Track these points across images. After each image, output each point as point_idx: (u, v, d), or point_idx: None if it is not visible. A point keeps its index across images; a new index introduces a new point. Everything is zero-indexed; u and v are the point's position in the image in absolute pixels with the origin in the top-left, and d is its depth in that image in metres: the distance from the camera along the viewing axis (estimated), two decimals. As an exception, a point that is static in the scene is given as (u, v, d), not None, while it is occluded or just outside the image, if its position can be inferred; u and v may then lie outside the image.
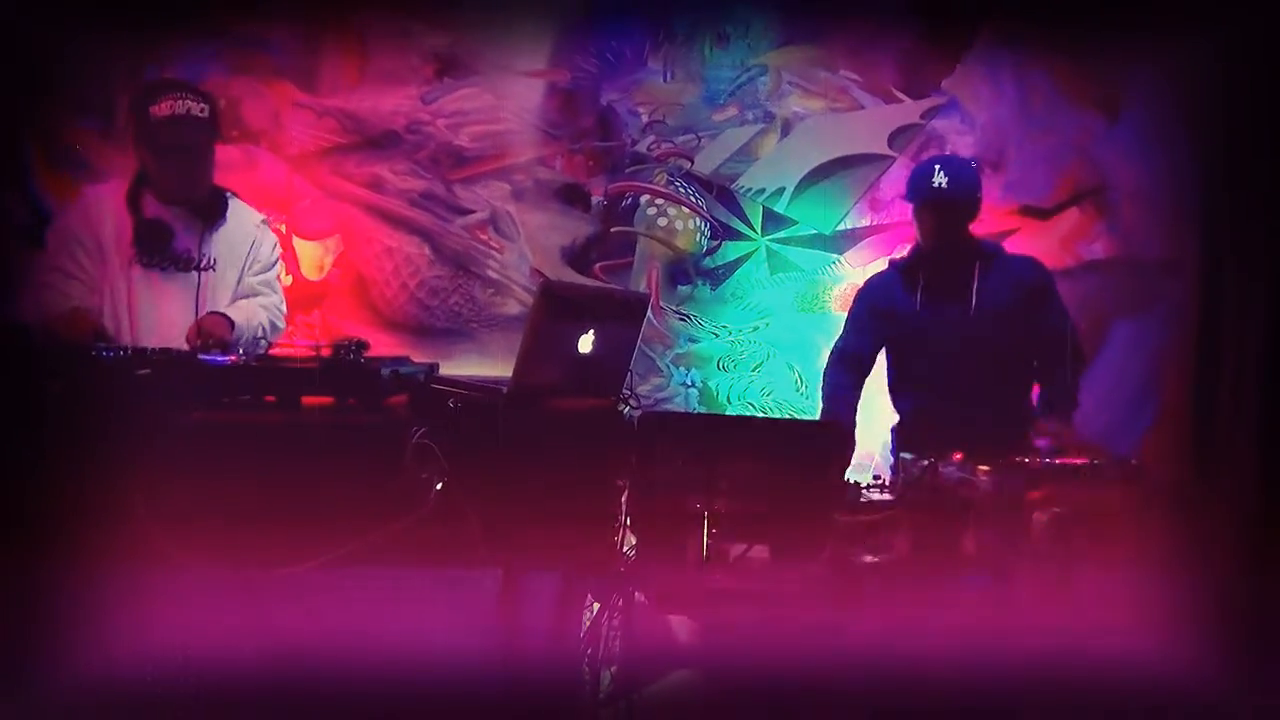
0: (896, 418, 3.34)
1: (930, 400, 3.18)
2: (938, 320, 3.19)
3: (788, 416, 4.06)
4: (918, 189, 3.19)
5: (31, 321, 2.80)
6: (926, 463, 2.25)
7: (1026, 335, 3.19)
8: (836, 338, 3.40)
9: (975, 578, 2.10)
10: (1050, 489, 2.19)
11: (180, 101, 2.75)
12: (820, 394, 3.36)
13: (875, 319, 3.29)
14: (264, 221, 3.06)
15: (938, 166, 3.18)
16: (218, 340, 2.69)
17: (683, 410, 4.06)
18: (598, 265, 4.12)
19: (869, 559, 2.10)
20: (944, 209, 3.16)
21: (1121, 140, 4.04)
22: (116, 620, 2.10)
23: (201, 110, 2.77)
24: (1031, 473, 2.24)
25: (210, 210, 2.88)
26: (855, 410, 3.28)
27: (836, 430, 2.87)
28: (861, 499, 2.28)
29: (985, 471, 2.24)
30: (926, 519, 2.13)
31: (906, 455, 2.50)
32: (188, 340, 2.67)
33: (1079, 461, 2.35)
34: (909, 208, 3.30)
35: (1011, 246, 4.04)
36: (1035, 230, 4.11)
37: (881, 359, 3.34)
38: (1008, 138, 4.11)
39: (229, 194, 2.98)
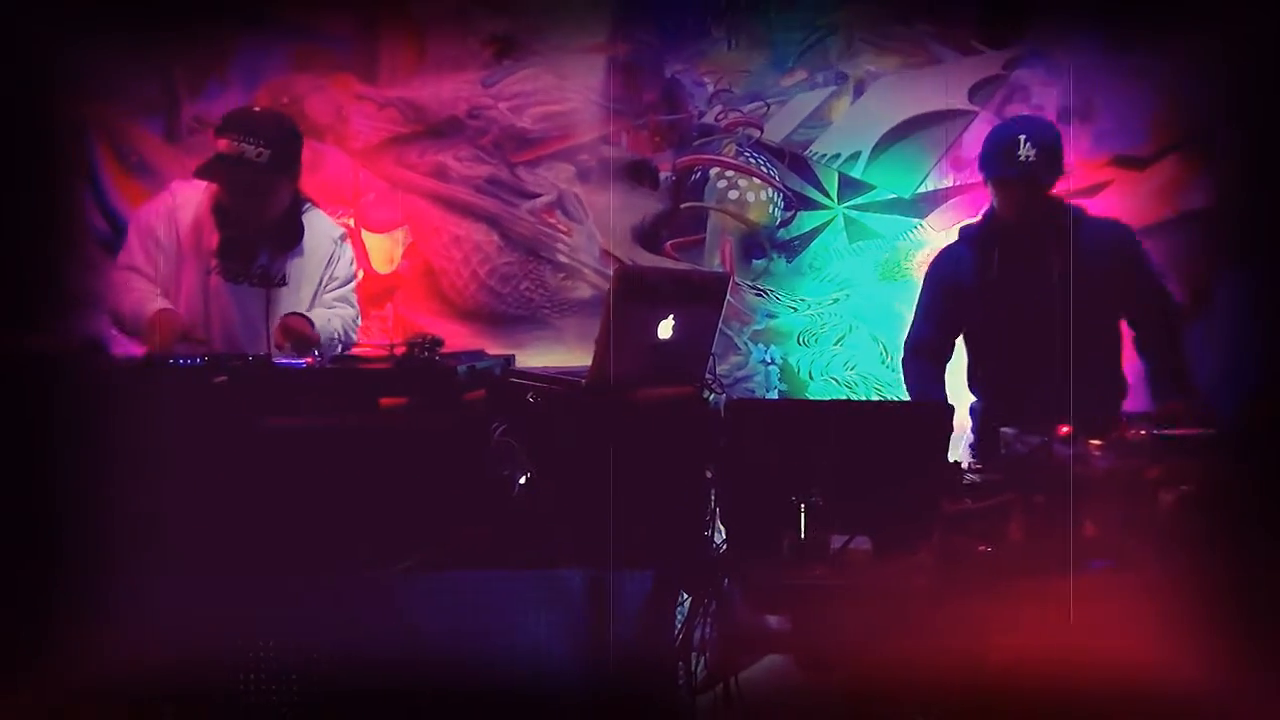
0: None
1: (1017, 380, 2.93)
2: (1020, 293, 2.94)
3: (874, 393, 3.92)
4: (1000, 161, 2.90)
5: (111, 321, 2.85)
6: (1038, 440, 2.10)
7: (1118, 304, 2.98)
8: (908, 330, 3.16)
9: (1099, 567, 1.96)
10: (1171, 465, 2.04)
11: (237, 143, 2.73)
12: (906, 390, 3.12)
13: (947, 302, 3.05)
14: (343, 236, 3.04)
15: (1023, 138, 2.86)
16: (303, 339, 2.71)
17: (763, 388, 3.96)
18: (669, 243, 4.03)
19: (980, 548, 1.97)
20: (1031, 182, 2.89)
21: (1224, 81, 3.78)
22: (202, 624, 2.08)
23: (258, 155, 2.72)
24: (1150, 447, 2.08)
25: (285, 234, 2.88)
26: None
27: (935, 409, 2.69)
28: (965, 481, 2.15)
29: (1099, 447, 2.09)
30: (1041, 502, 1.99)
31: (1008, 430, 2.35)
32: (276, 343, 2.70)
33: (1197, 433, 2.19)
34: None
35: (1106, 199, 3.87)
36: (1130, 181, 3.90)
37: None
38: (1096, 85, 3.89)
39: (308, 206, 2.96)
